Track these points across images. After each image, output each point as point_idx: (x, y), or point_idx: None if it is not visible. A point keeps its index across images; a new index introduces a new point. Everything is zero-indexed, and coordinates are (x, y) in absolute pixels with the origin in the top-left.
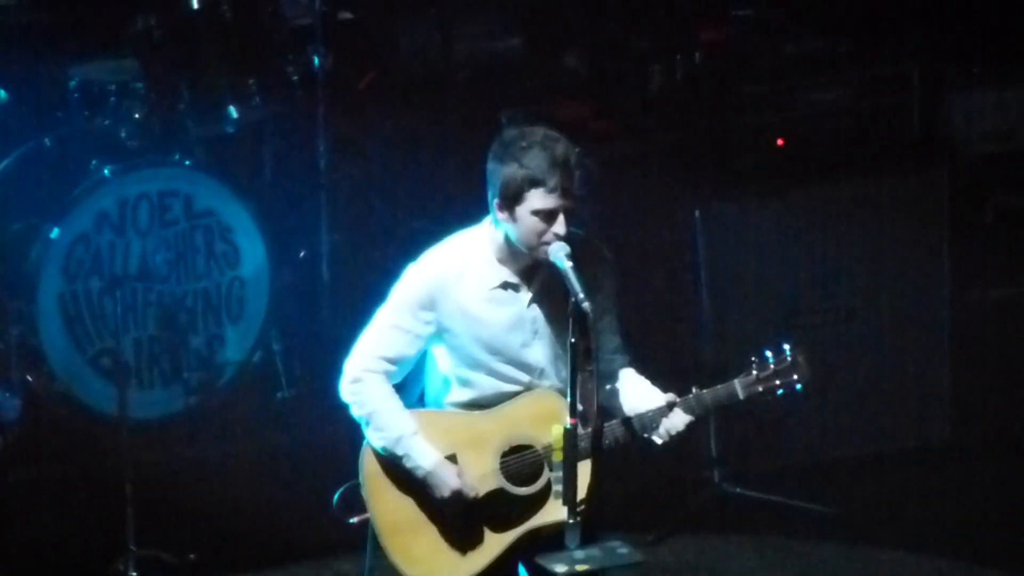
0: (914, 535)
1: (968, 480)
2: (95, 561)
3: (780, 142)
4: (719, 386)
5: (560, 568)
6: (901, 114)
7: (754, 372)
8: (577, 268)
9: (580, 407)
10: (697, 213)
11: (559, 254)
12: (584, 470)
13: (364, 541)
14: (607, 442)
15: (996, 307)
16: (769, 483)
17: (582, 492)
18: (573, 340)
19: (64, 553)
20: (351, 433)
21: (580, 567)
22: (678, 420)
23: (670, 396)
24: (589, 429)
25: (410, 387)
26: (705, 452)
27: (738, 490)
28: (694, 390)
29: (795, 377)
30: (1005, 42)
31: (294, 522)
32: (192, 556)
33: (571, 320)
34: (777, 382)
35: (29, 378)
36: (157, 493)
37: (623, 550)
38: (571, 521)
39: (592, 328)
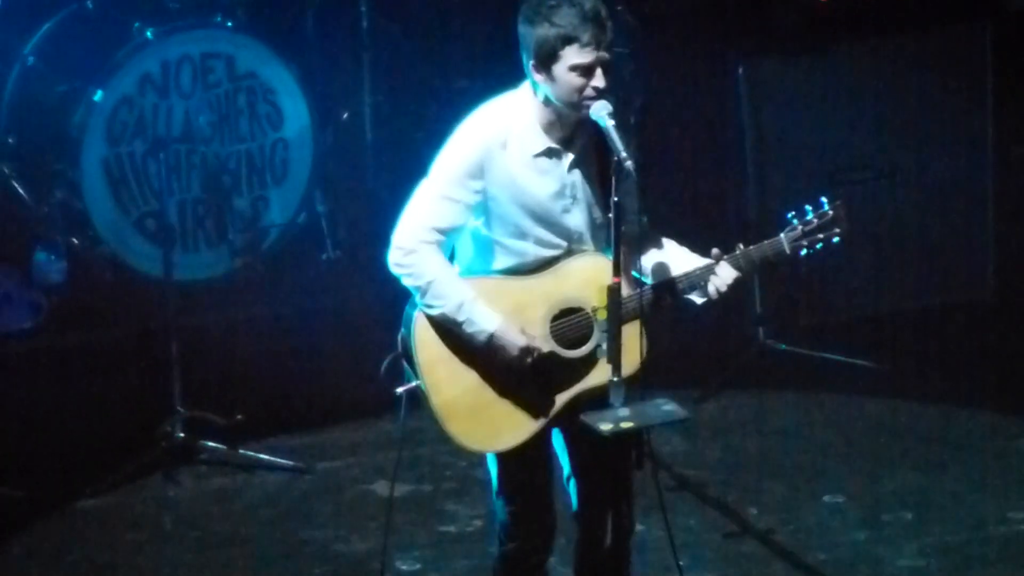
0: (958, 391)
1: (1010, 336)
2: (143, 423)
3: None
4: (764, 242)
5: (605, 426)
6: None
7: (799, 227)
8: (619, 126)
9: (638, 264)
10: (740, 70)
11: (601, 112)
12: (634, 332)
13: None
14: (653, 301)
15: None
16: (814, 339)
17: (634, 354)
18: (616, 199)
19: (112, 415)
20: (395, 295)
21: (625, 424)
22: (726, 276)
23: (716, 251)
24: (636, 291)
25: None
26: (750, 310)
27: (783, 346)
28: (740, 247)
29: (836, 230)
30: None
31: (339, 382)
32: (239, 417)
33: (614, 178)
34: (820, 236)
35: (74, 240)
36: (203, 355)
37: (668, 407)
38: (615, 379)
39: (636, 186)
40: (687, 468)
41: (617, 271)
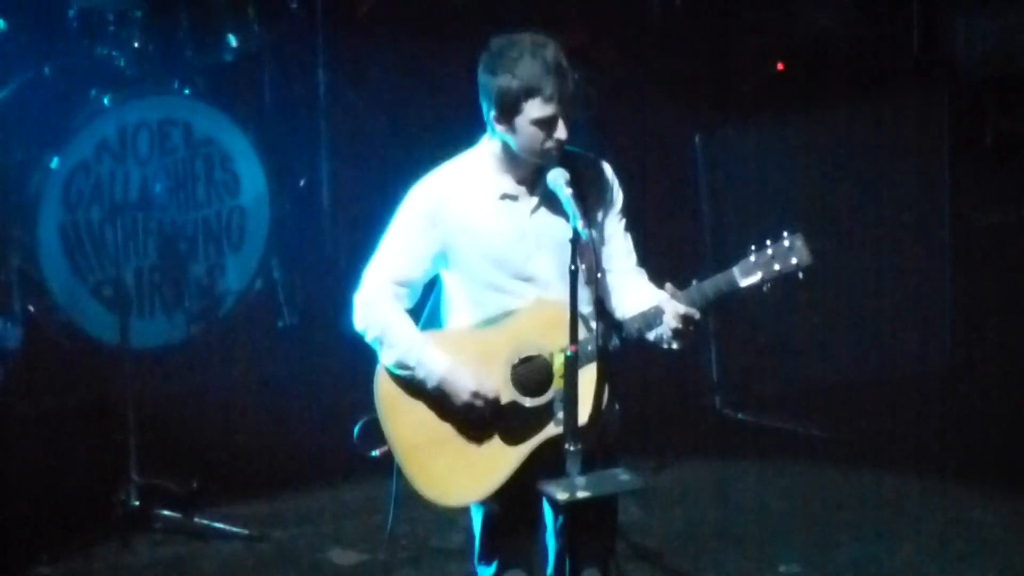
0: (915, 459)
1: (968, 404)
2: (98, 490)
3: (780, 66)
4: (718, 275)
5: (561, 495)
6: (901, 36)
7: (752, 258)
8: (578, 190)
9: (590, 313)
10: (697, 138)
11: (558, 181)
12: (594, 380)
13: (366, 470)
14: (608, 345)
15: (996, 231)
16: (770, 408)
17: (595, 400)
18: (573, 268)
19: (66, 482)
20: (350, 362)
21: (581, 493)
22: (678, 310)
23: (669, 286)
24: (593, 334)
25: (431, 322)
26: (707, 378)
27: (740, 416)
28: (694, 282)
29: (794, 261)
30: None
31: (295, 450)
32: (194, 485)
33: (572, 247)
34: (776, 267)
35: (30, 307)
36: (159, 422)
37: (624, 476)
38: (571, 448)
39: (596, 252)
40: (644, 537)
41: (574, 339)
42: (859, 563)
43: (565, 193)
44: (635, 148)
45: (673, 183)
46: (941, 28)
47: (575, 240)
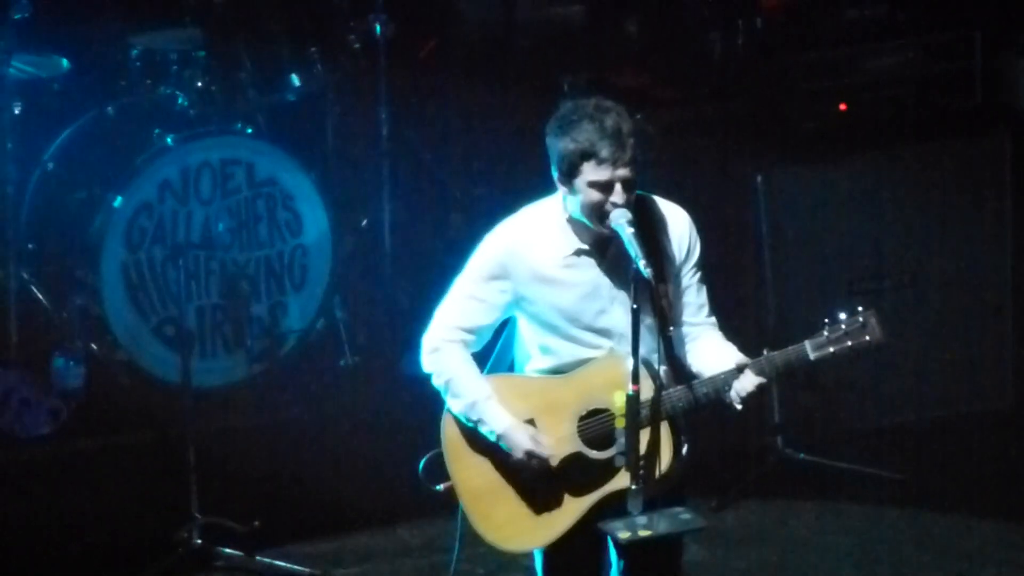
0: (977, 501)
1: None
2: (160, 529)
3: (842, 107)
4: (790, 348)
5: (623, 534)
6: (963, 79)
7: (825, 333)
8: (644, 233)
9: (659, 370)
10: (759, 179)
11: (620, 220)
12: (664, 434)
13: (423, 509)
14: (675, 407)
15: None
16: (832, 449)
17: (666, 458)
18: (635, 306)
19: (129, 521)
20: (413, 401)
21: (643, 532)
22: (748, 382)
23: (740, 358)
24: (671, 391)
25: (502, 358)
26: (769, 418)
27: (802, 456)
28: (765, 352)
29: (867, 339)
30: None
31: (356, 489)
32: (256, 523)
33: (633, 286)
34: (849, 343)
35: (93, 346)
36: (220, 461)
37: (686, 515)
38: (633, 487)
39: (659, 294)
40: None
41: (636, 379)
42: None
43: (627, 232)
44: (696, 188)
45: (734, 223)
46: (1004, 72)
47: (636, 278)
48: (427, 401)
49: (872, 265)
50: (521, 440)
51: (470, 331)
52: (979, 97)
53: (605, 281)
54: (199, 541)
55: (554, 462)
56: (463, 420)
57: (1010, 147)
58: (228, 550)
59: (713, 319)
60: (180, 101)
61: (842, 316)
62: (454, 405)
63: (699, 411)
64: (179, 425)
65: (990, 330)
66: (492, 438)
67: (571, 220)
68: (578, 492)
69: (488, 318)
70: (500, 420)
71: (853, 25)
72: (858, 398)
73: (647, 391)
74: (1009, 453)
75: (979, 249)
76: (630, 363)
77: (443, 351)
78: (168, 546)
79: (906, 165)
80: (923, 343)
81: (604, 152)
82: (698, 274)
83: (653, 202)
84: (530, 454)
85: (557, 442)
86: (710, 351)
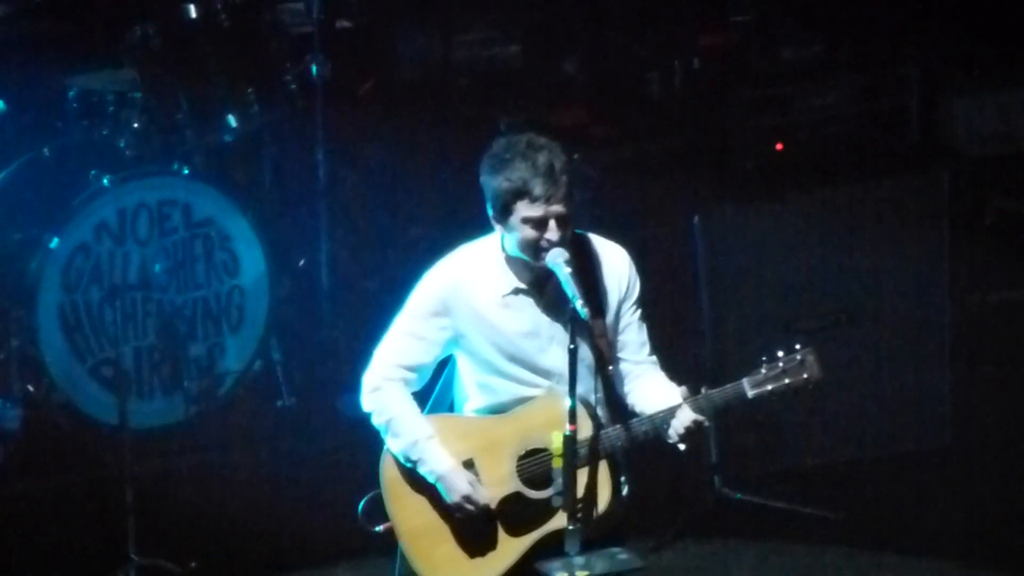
0: (915, 539)
1: (969, 484)
2: (97, 570)
3: (779, 146)
4: (728, 385)
5: (560, 574)
6: (901, 117)
7: (763, 371)
8: (583, 272)
9: (596, 409)
10: (696, 217)
11: (557, 260)
12: (603, 474)
13: (361, 550)
14: (614, 446)
15: (996, 310)
16: (770, 488)
17: (604, 497)
18: (572, 346)
19: (65, 562)
20: (351, 442)
21: (580, 573)
22: (686, 419)
23: (679, 391)
24: (609, 431)
25: (441, 398)
26: (706, 457)
27: (739, 495)
28: (703, 390)
29: (805, 376)
30: (1004, 45)
31: (294, 530)
32: (193, 565)
33: (570, 326)
34: (787, 381)
35: (30, 388)
36: (158, 502)
37: (624, 555)
38: (571, 527)
39: (597, 333)
40: None
41: (573, 418)
42: None
43: (564, 272)
44: (634, 227)
45: (672, 262)
46: (941, 109)
47: (573, 318)
48: (365, 442)
49: (810, 303)
50: (460, 485)
51: (411, 369)
52: (916, 135)
53: (544, 320)
54: None
55: (492, 505)
56: (402, 460)
57: (947, 185)
58: None
59: (654, 357)
60: (117, 142)
61: (780, 354)
62: (394, 445)
63: (638, 450)
64: (116, 466)
65: (928, 368)
66: (431, 479)
67: (509, 259)
68: (517, 532)
69: (428, 356)
70: (440, 463)
71: (790, 64)
72: (796, 437)
73: (585, 430)
74: (947, 492)
75: (917, 287)
76: (568, 402)
77: (384, 390)
78: None
79: (844, 203)
80: (861, 381)
81: (537, 190)
82: (638, 312)
83: (590, 240)
84: (467, 498)
85: (496, 482)
86: (651, 390)
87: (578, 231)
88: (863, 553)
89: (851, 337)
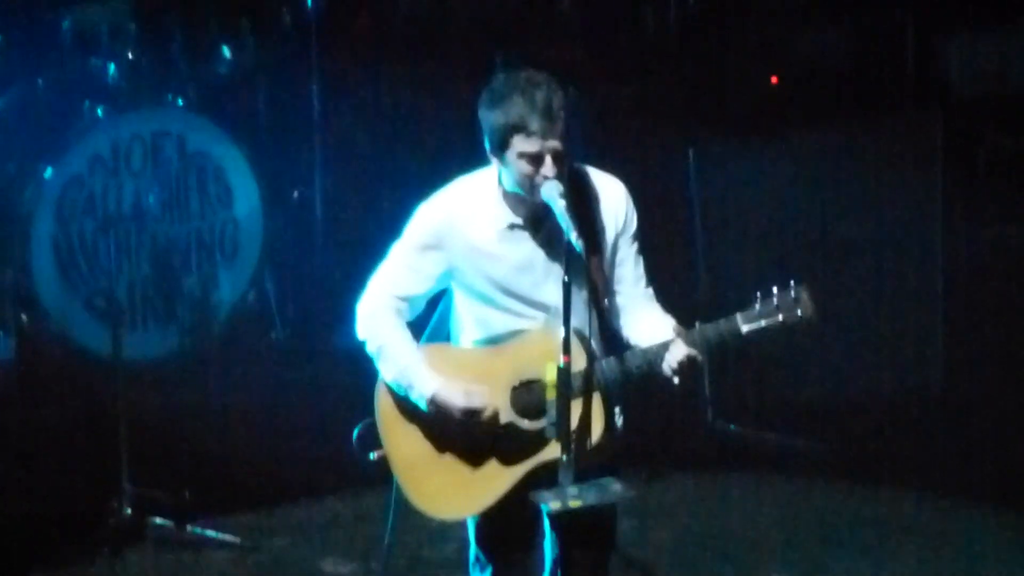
0: (905, 473)
1: (959, 419)
2: (91, 500)
3: (774, 80)
4: (721, 320)
5: (553, 504)
6: (896, 55)
7: (757, 307)
8: (580, 206)
9: (591, 343)
10: (691, 153)
11: (552, 193)
12: (596, 406)
13: (358, 479)
14: (608, 379)
15: (989, 248)
16: (762, 422)
17: (597, 430)
18: (566, 279)
19: (59, 492)
20: (342, 374)
21: (573, 502)
22: (680, 354)
23: (673, 327)
24: (603, 363)
25: (438, 329)
26: (699, 391)
27: (731, 428)
28: (697, 324)
29: (799, 313)
30: None
31: (287, 461)
32: (187, 494)
33: (565, 259)
34: (780, 318)
35: (23, 318)
36: (152, 433)
37: (616, 486)
38: (564, 458)
39: (593, 266)
40: (634, 548)
41: (567, 350)
42: None
43: (559, 205)
44: (629, 163)
45: (667, 198)
46: (935, 48)
47: (568, 251)
48: (358, 374)
49: (803, 239)
50: (453, 398)
51: (404, 299)
52: (911, 73)
53: (540, 254)
54: (129, 512)
55: (491, 412)
56: (395, 387)
57: (941, 123)
58: (159, 521)
59: (650, 291)
60: (111, 74)
61: (775, 290)
62: (386, 371)
63: (632, 383)
64: (110, 397)
65: (921, 304)
66: (423, 404)
67: (506, 193)
68: (510, 462)
69: (422, 288)
70: (430, 383)
71: (787, 2)
72: (788, 372)
73: (579, 363)
74: (939, 429)
75: (910, 224)
76: (562, 334)
77: (377, 317)
78: (99, 517)
79: (838, 140)
80: (854, 317)
81: (533, 125)
82: (634, 246)
83: (588, 174)
84: (466, 412)
85: (490, 401)
86: (646, 323)
87: (576, 164)
88: (854, 488)
89: (844, 273)
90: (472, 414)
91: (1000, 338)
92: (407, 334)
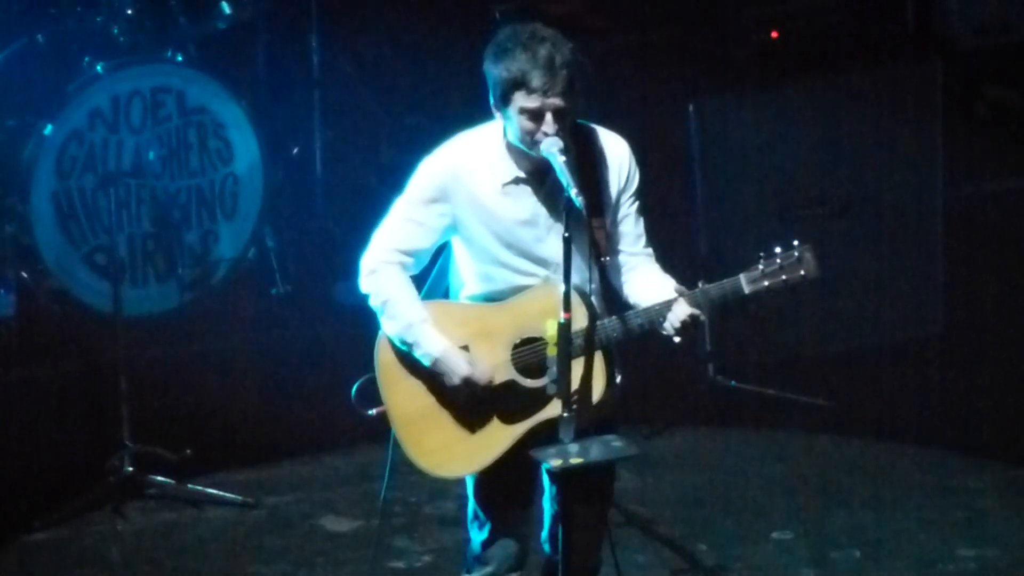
0: (908, 427)
1: (961, 372)
2: (91, 457)
3: (774, 34)
4: (725, 281)
5: (554, 461)
6: (896, 7)
7: (760, 267)
8: (582, 162)
9: (592, 300)
10: (691, 107)
11: (552, 149)
12: (597, 364)
13: (357, 436)
14: (609, 337)
15: (989, 199)
16: (763, 376)
17: (598, 387)
18: (567, 235)
19: (60, 449)
20: (343, 330)
21: (574, 460)
22: (682, 313)
23: (677, 287)
24: (604, 321)
25: (437, 284)
26: (700, 346)
27: (733, 383)
28: (700, 284)
29: (802, 273)
30: None
31: (288, 418)
32: (188, 451)
33: (565, 215)
34: (783, 278)
35: (23, 274)
36: (152, 389)
37: (618, 443)
38: (565, 415)
39: (594, 224)
40: (636, 504)
41: (568, 306)
42: (851, 531)
43: (559, 161)
44: (628, 116)
45: (666, 150)
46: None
47: (568, 207)
48: (358, 330)
49: (804, 193)
50: (457, 365)
51: (408, 253)
52: (911, 24)
53: (542, 210)
54: (131, 469)
55: (494, 382)
56: (398, 343)
57: (941, 75)
58: (160, 478)
59: (650, 250)
60: (111, 29)
61: (777, 250)
62: (390, 327)
63: (633, 341)
64: (110, 353)
65: (921, 257)
66: (427, 362)
67: (510, 147)
68: (511, 419)
69: (426, 241)
70: (436, 344)
71: None
72: (789, 326)
73: (580, 320)
74: (940, 381)
75: (910, 177)
76: (560, 291)
77: (381, 272)
78: (100, 474)
79: (838, 92)
80: (855, 270)
81: (535, 81)
82: (636, 204)
83: (593, 131)
84: (467, 380)
85: (491, 369)
86: (647, 282)
87: (580, 121)
88: (854, 441)
89: (845, 226)
90: (471, 383)
91: (1000, 288)
92: (412, 291)
